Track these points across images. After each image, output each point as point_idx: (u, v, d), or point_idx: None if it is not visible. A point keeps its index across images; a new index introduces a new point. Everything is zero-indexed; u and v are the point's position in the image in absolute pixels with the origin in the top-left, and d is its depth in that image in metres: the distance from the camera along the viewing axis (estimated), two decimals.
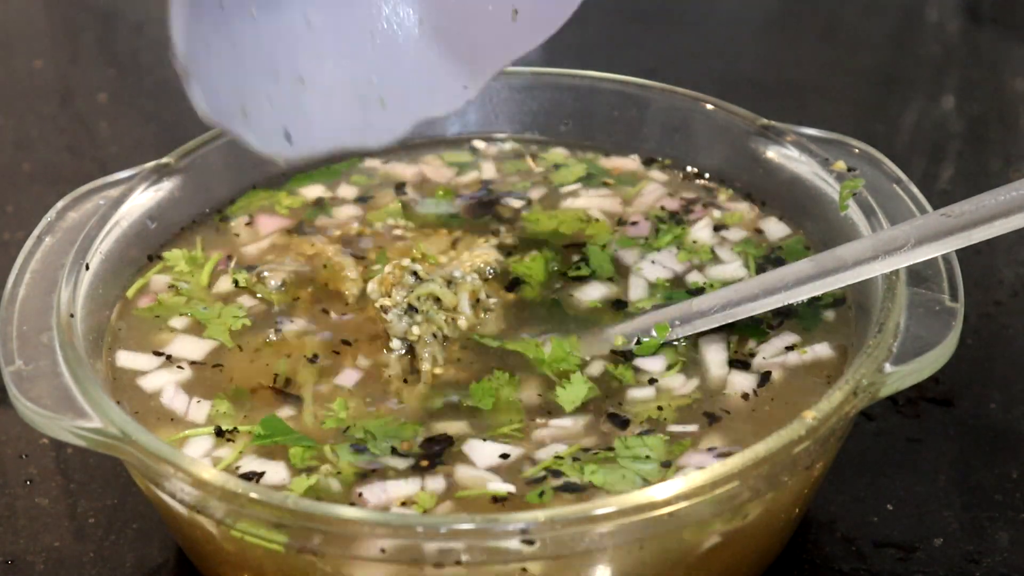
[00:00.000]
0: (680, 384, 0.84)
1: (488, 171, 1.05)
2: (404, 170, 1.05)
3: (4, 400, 0.79)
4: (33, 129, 1.41)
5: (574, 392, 0.84)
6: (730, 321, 0.87)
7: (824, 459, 0.80)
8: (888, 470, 0.94)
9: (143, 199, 0.94)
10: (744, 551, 0.79)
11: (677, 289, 0.92)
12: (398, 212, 1.00)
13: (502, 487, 0.77)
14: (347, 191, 1.04)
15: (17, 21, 1.64)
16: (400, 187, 1.03)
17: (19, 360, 0.80)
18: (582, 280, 0.93)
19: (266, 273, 0.94)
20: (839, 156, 0.93)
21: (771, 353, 0.86)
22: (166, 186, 0.96)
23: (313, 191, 1.03)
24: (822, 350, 0.85)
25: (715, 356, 0.86)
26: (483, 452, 0.80)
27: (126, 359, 0.88)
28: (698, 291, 0.91)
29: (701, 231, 0.96)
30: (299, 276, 0.94)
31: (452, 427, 0.82)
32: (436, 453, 0.80)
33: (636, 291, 0.92)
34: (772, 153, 0.97)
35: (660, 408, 0.82)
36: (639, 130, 1.04)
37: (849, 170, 0.91)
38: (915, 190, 0.90)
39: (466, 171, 1.05)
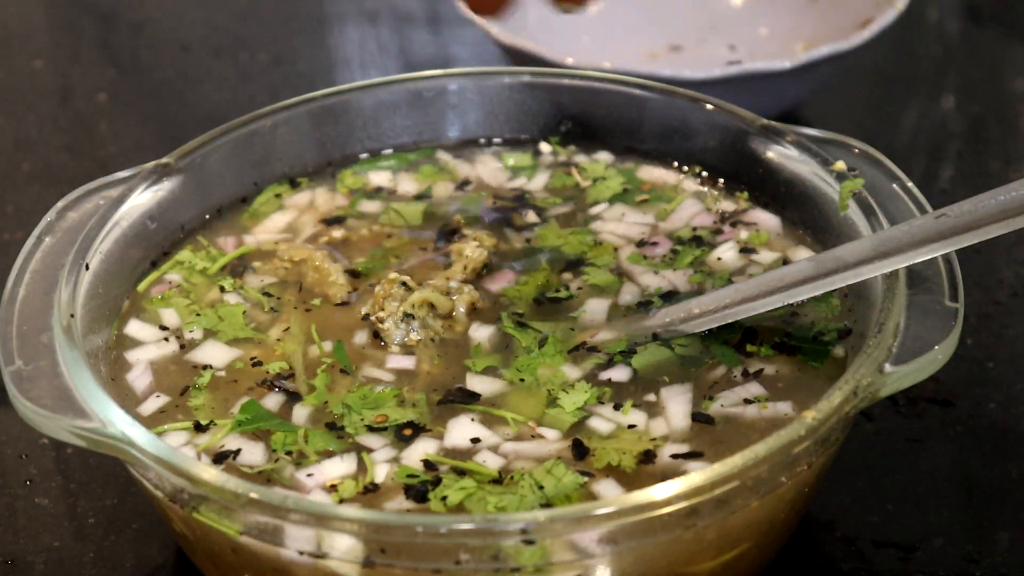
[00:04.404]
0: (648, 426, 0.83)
1: (540, 179, 1.05)
2: (468, 169, 1.06)
3: (4, 400, 0.79)
4: (33, 129, 1.41)
5: (575, 398, 0.84)
6: (729, 321, 0.87)
7: (824, 459, 0.80)
8: (888, 470, 0.94)
9: (143, 199, 0.94)
10: (744, 551, 0.79)
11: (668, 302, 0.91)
12: (414, 215, 1.01)
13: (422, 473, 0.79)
14: (408, 185, 1.04)
15: (17, 21, 1.64)
16: (463, 185, 1.04)
17: (19, 360, 0.80)
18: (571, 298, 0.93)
19: (252, 276, 0.95)
20: (839, 156, 0.93)
21: (730, 402, 0.84)
22: (166, 186, 0.95)
23: (378, 178, 1.05)
24: (784, 408, 0.83)
25: (678, 408, 0.84)
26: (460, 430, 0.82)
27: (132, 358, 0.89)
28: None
29: (727, 252, 0.96)
30: (285, 280, 0.95)
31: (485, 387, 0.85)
32: (455, 400, 0.84)
33: (625, 296, 0.92)
34: (772, 153, 0.97)
35: (623, 452, 0.80)
36: (638, 130, 1.04)
37: (849, 170, 0.91)
38: (915, 190, 0.90)
39: (518, 176, 1.05)
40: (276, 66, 1.51)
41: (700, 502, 0.72)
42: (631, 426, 0.82)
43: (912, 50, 1.49)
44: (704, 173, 1.02)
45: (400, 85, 1.06)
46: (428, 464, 0.80)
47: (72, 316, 0.83)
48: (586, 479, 0.78)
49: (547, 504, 0.76)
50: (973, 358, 1.02)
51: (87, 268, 0.87)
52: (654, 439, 0.81)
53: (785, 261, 0.94)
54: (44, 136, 1.40)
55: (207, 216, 1.00)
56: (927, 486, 0.93)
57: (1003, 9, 1.55)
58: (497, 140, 1.08)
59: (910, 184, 0.90)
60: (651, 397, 0.84)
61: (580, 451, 0.80)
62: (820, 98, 1.34)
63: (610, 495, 0.77)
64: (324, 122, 1.04)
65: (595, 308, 0.91)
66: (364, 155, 1.06)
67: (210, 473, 0.73)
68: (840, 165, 0.92)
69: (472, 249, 0.94)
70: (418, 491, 0.78)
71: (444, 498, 0.77)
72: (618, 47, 1.41)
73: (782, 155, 0.96)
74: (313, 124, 1.04)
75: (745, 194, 1.00)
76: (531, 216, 1.00)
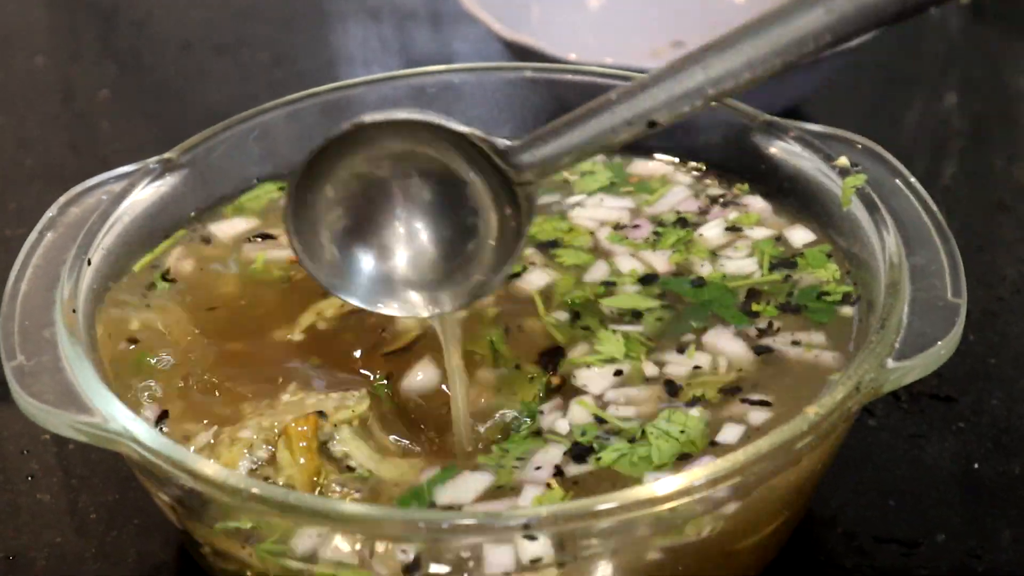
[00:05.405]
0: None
1: None
2: None
3: (6, 396, 0.79)
4: (34, 126, 1.41)
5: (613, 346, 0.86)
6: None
7: (826, 455, 0.80)
8: (890, 466, 0.94)
9: (145, 194, 0.94)
10: (746, 547, 0.79)
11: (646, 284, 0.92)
12: None
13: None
14: None
15: (18, 18, 1.64)
16: None
17: (21, 355, 0.80)
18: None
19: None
20: (842, 152, 0.92)
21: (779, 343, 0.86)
22: (168, 181, 0.95)
23: None
24: (828, 356, 0.85)
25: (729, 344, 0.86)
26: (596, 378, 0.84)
27: None
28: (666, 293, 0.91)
29: (712, 229, 0.96)
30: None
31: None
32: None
33: (594, 272, 0.92)
34: (775, 149, 0.97)
35: (706, 385, 0.83)
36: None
37: (852, 166, 0.91)
38: (918, 186, 0.90)
39: None
40: (277, 64, 1.51)
41: (703, 497, 0.71)
42: (697, 367, 0.84)
43: (915, 47, 1.49)
44: (703, 167, 1.02)
45: (403, 80, 1.05)
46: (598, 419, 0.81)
47: (74, 311, 0.82)
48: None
49: (684, 455, 0.78)
50: (976, 354, 1.02)
51: (89, 263, 0.87)
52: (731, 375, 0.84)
53: (778, 238, 0.95)
54: (45, 134, 1.40)
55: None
56: (929, 482, 0.93)
57: (1006, 7, 1.55)
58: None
59: (913, 180, 0.90)
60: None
61: (672, 388, 0.83)
62: (823, 94, 1.33)
63: (731, 438, 0.79)
64: (327, 117, 1.04)
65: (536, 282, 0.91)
66: None
67: (212, 469, 0.73)
68: (843, 161, 0.92)
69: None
70: (582, 449, 0.79)
71: (599, 458, 0.78)
72: (620, 43, 1.41)
73: (784, 151, 0.96)
74: (316, 119, 1.03)
75: (746, 186, 1.00)
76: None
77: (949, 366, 0.80)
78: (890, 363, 0.77)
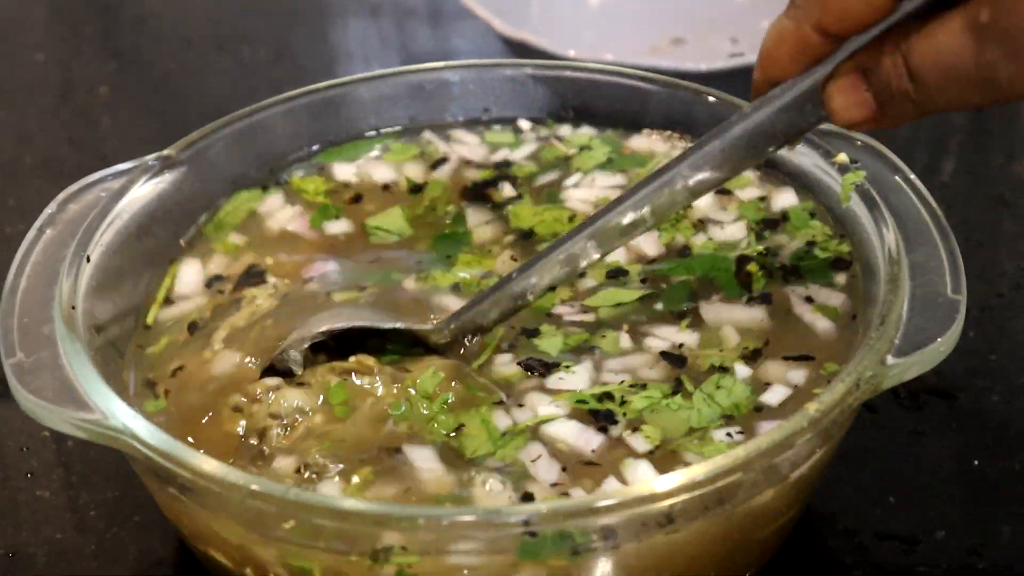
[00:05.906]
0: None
1: (524, 150, 1.04)
2: (445, 147, 1.05)
3: (5, 393, 0.79)
4: (34, 122, 1.41)
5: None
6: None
7: (826, 451, 0.80)
8: (890, 463, 0.94)
9: (144, 191, 0.93)
10: (746, 544, 0.79)
11: (618, 278, 0.91)
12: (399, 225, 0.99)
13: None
14: (382, 172, 1.03)
15: (18, 14, 1.64)
16: (437, 164, 1.03)
17: (20, 352, 0.80)
18: None
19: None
20: (841, 148, 0.92)
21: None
22: (168, 178, 0.95)
23: (344, 171, 1.03)
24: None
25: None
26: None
27: None
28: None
29: (702, 199, 0.96)
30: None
31: None
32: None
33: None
34: None
35: (721, 350, 0.84)
36: (640, 122, 1.04)
37: (852, 162, 0.91)
38: (917, 182, 0.90)
39: (499, 150, 1.05)
40: (277, 60, 1.51)
41: (703, 495, 0.71)
42: (680, 345, 0.85)
43: None
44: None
45: (403, 77, 1.05)
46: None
47: (73, 308, 0.82)
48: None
49: (728, 415, 0.79)
50: (975, 350, 1.02)
51: (88, 260, 0.87)
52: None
53: (763, 198, 0.96)
54: (45, 130, 1.40)
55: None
56: (929, 479, 0.93)
57: None
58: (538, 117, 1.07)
59: (912, 176, 0.90)
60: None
61: (674, 360, 0.83)
62: None
63: (776, 399, 0.81)
64: (327, 114, 1.04)
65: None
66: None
67: (211, 465, 0.73)
68: (842, 157, 0.92)
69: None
70: (606, 414, 0.80)
71: (625, 407, 0.80)
72: (620, 40, 1.41)
73: None
74: (316, 116, 1.03)
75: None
76: (508, 190, 1.00)
77: (949, 362, 0.80)
78: (890, 359, 0.77)
